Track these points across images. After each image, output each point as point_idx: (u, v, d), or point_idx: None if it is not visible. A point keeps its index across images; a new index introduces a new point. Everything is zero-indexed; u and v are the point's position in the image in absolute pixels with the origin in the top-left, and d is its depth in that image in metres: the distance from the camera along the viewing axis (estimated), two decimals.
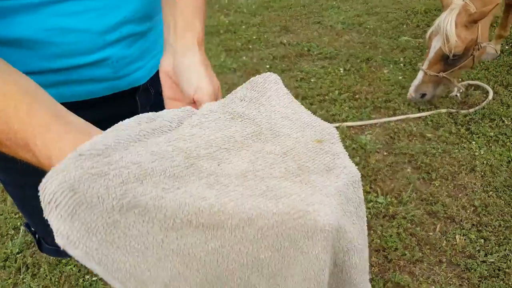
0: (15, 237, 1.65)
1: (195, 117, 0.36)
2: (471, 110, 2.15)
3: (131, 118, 0.34)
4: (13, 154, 0.36)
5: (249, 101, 0.39)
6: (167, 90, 0.50)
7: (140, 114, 0.35)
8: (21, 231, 1.66)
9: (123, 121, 0.33)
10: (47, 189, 0.25)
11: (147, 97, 0.61)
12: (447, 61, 2.00)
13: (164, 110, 0.38)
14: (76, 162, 0.25)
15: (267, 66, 2.79)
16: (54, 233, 0.25)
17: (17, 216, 1.75)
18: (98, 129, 0.36)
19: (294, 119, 0.39)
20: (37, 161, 0.33)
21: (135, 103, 0.59)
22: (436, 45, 1.99)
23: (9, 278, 1.48)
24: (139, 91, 0.59)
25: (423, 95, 2.11)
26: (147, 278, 0.27)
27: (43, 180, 0.25)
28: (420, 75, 2.09)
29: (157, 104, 0.62)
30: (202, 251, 0.28)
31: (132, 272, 0.27)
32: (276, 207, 0.30)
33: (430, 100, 2.19)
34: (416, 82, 2.11)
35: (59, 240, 0.25)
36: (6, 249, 1.59)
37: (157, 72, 0.61)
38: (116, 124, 0.33)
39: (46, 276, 1.48)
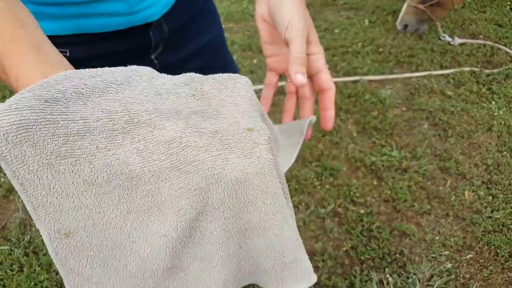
0: None
1: (161, 80, 0.38)
2: (495, 70, 2.12)
3: (106, 68, 0.36)
4: None
5: (218, 87, 0.41)
6: (264, 35, 0.53)
7: (119, 67, 0.37)
8: None
9: (98, 68, 0.36)
10: (3, 120, 0.28)
11: (160, 33, 0.64)
12: None
13: (134, 66, 0.39)
14: (39, 105, 0.29)
15: None
16: None
17: None
18: (70, 65, 0.38)
19: (243, 109, 0.40)
20: (10, 84, 0.36)
21: (149, 38, 0.63)
22: None
23: None
24: (152, 27, 0.62)
25: (406, 26, 2.39)
26: (57, 216, 0.31)
27: None
28: (404, 6, 2.35)
29: (171, 41, 0.66)
30: (112, 212, 0.33)
31: (45, 205, 0.31)
32: (186, 178, 0.33)
33: (415, 32, 2.44)
34: (401, 13, 2.39)
35: None
36: None
37: (171, 10, 0.64)
38: (89, 69, 0.35)
39: None
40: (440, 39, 2.39)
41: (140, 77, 0.37)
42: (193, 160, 0.33)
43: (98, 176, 0.31)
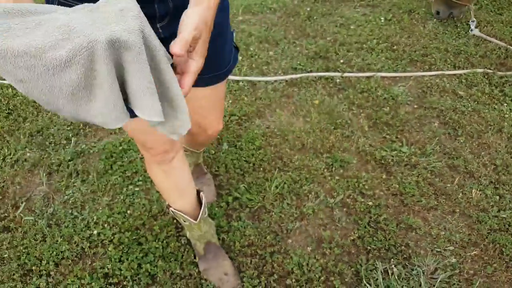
0: (67, 147, 1.81)
1: (68, 8, 0.56)
2: (509, 73, 2.14)
3: (34, 4, 0.55)
4: None
5: (106, 4, 0.57)
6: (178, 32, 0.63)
7: (46, 5, 0.56)
8: (72, 141, 1.83)
9: (31, 3, 0.55)
10: None
11: (165, 7, 0.72)
12: None
13: (55, 6, 0.57)
14: None
15: (307, 9, 2.77)
16: None
17: (68, 128, 1.91)
18: None
19: (124, 11, 0.55)
20: None
21: (154, 9, 0.72)
22: None
23: (62, 181, 1.66)
24: (157, 1, 0.71)
25: (438, 12, 2.55)
26: (12, 72, 0.52)
27: None
28: None
29: (176, 15, 0.73)
30: (35, 70, 0.52)
31: (2, 67, 0.51)
32: (73, 42, 0.51)
33: (447, 18, 2.58)
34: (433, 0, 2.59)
35: None
36: (59, 155, 1.76)
37: None
38: (24, 3, 0.54)
39: (94, 182, 1.65)
40: (468, 24, 2.51)
41: (55, 11, 0.55)
42: (75, 31, 0.51)
43: (17, 50, 0.50)
